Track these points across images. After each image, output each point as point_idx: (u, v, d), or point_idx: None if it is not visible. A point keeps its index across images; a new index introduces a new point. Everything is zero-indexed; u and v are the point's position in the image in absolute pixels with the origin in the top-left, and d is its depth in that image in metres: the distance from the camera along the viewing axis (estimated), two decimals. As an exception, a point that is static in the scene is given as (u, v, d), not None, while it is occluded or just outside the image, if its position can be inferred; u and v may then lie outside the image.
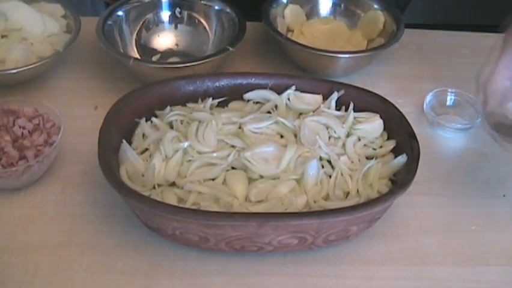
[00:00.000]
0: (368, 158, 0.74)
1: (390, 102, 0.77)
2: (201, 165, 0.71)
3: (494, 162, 0.83)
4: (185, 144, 0.71)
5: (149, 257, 0.68)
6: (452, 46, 1.05)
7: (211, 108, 0.78)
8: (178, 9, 0.99)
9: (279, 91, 0.79)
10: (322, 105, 0.78)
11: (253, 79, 0.80)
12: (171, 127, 0.75)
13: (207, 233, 0.63)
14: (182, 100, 0.78)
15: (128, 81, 0.89)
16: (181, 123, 0.75)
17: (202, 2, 0.98)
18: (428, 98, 0.88)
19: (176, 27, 1.00)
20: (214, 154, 0.71)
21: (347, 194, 0.70)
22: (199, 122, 0.74)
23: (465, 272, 0.69)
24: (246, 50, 0.97)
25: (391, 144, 0.75)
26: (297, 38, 0.98)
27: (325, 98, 0.80)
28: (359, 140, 0.76)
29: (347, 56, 0.91)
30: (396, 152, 0.73)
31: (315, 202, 0.68)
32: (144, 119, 0.75)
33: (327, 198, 0.69)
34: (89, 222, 0.71)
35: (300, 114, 0.78)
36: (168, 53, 0.99)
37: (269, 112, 0.78)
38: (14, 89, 0.85)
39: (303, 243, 0.65)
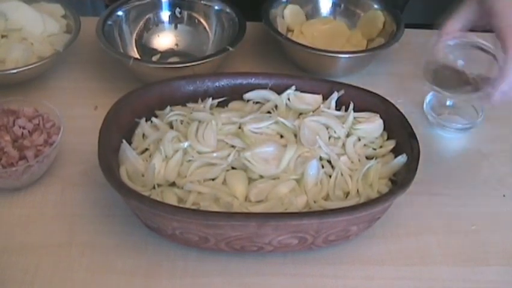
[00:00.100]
0: (368, 158, 0.74)
1: (390, 102, 0.77)
2: (200, 165, 0.71)
3: (494, 162, 0.83)
4: (185, 144, 0.71)
5: (149, 257, 0.68)
6: (452, 46, 1.05)
7: (211, 108, 0.78)
8: (178, 9, 0.99)
9: (279, 91, 0.79)
10: (322, 105, 0.78)
11: (253, 79, 0.80)
12: (171, 127, 0.75)
13: (207, 233, 0.63)
14: (182, 100, 0.78)
15: (128, 81, 0.89)
16: (181, 123, 0.75)
17: (202, 2, 0.98)
18: (428, 98, 0.88)
19: (176, 27, 1.00)
20: (214, 154, 0.71)
21: (347, 194, 0.70)
22: (199, 122, 0.74)
23: (465, 272, 0.69)
24: (246, 50, 0.97)
25: (391, 144, 0.75)
26: (297, 38, 0.98)
27: (325, 98, 0.79)
28: (359, 140, 0.76)
29: (347, 56, 0.91)
30: (396, 152, 0.73)
31: (315, 202, 0.68)
32: (144, 119, 0.75)
33: (327, 198, 0.69)
34: (89, 222, 0.71)
35: (300, 114, 0.78)
36: (168, 53, 0.99)
37: (269, 112, 0.78)
38: (14, 89, 0.85)
39: (303, 243, 0.65)
